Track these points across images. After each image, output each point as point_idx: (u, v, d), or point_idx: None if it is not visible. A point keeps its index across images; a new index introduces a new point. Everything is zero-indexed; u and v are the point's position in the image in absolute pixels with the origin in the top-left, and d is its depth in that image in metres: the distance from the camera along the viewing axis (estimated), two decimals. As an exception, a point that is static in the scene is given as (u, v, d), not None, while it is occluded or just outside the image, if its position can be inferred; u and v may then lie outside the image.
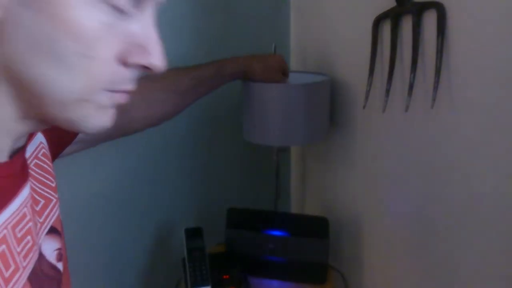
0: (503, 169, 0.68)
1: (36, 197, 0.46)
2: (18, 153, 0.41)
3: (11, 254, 0.38)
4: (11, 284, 0.37)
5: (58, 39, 0.32)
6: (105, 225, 1.09)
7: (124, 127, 0.71)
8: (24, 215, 0.41)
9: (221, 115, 1.22)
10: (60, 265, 0.48)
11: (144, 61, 0.37)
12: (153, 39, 0.37)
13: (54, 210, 0.50)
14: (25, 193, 0.41)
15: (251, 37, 1.20)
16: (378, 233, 1.02)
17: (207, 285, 0.93)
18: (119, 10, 0.34)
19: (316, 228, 1.02)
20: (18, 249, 0.39)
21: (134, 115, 0.73)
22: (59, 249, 0.49)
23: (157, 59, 0.37)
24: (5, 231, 0.37)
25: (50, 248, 0.46)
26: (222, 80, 0.92)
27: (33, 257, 0.42)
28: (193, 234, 1.02)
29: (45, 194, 0.48)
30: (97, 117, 0.38)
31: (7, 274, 0.37)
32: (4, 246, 0.37)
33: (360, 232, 1.08)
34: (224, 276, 0.98)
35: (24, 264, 0.40)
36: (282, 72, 0.98)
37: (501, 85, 0.67)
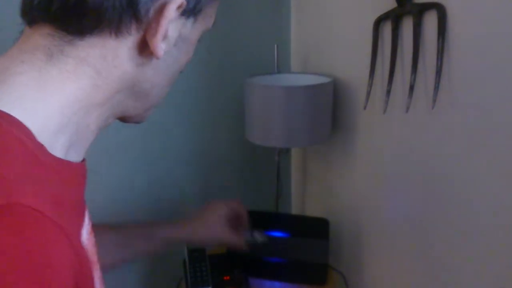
0: (504, 170, 0.68)
1: None
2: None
3: (93, 246, 0.43)
4: (95, 277, 0.41)
5: (181, 66, 0.47)
6: (105, 225, 1.10)
7: None
8: (89, 216, 0.46)
9: (223, 116, 1.22)
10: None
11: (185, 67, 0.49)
12: None
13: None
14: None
15: (251, 38, 1.20)
16: (378, 234, 1.02)
17: (207, 286, 0.94)
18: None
19: (316, 229, 1.02)
20: (93, 242, 0.44)
21: None
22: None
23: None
24: (88, 227, 0.42)
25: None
26: (162, 246, 0.82)
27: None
28: (194, 234, 1.02)
29: None
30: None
31: (96, 265, 0.42)
32: (91, 239, 0.42)
33: (360, 233, 1.08)
34: (225, 277, 0.98)
35: (95, 260, 0.44)
36: (238, 220, 0.89)
37: (501, 86, 0.67)
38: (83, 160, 0.44)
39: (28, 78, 0.36)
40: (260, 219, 1.08)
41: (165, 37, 0.39)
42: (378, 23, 0.88)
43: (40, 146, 0.34)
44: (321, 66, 1.13)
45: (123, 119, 0.47)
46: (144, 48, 0.40)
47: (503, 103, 0.67)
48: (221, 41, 1.15)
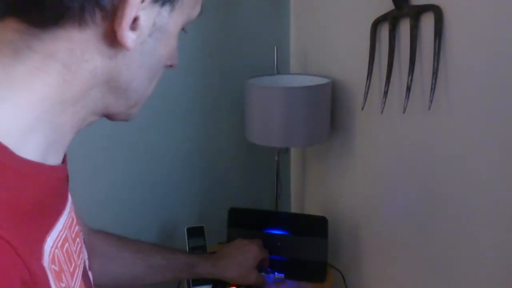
0: (500, 170, 0.70)
1: None
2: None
3: (71, 252, 0.41)
4: (74, 278, 0.40)
5: (161, 59, 0.43)
6: (109, 225, 1.10)
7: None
8: (73, 219, 0.44)
9: (223, 116, 1.23)
10: (90, 274, 0.51)
11: (173, 62, 0.47)
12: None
13: (78, 227, 0.52)
14: (69, 198, 0.44)
15: (251, 40, 1.21)
16: (376, 232, 1.03)
17: (208, 283, 0.95)
18: (183, 30, 0.45)
19: (315, 227, 1.03)
20: (74, 248, 0.42)
21: (108, 268, 0.75)
22: (88, 258, 0.51)
23: (177, 61, 0.48)
24: (66, 230, 0.40)
25: (85, 257, 0.49)
26: (187, 276, 0.89)
27: (82, 258, 0.45)
28: (195, 233, 1.03)
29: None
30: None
31: (71, 269, 0.40)
32: (67, 244, 0.40)
33: (359, 231, 1.09)
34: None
35: (78, 262, 0.43)
36: (261, 262, 0.95)
37: (497, 87, 0.68)
38: (64, 160, 0.42)
39: None
40: (260, 218, 1.10)
41: (135, 26, 0.37)
42: (376, 25, 0.89)
43: (3, 148, 0.32)
44: (320, 68, 1.15)
45: (108, 116, 0.45)
46: (113, 39, 0.37)
47: (499, 103, 0.68)
48: (222, 43, 1.17)
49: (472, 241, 0.76)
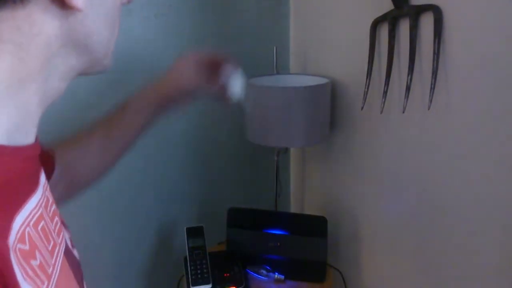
0: (499, 169, 0.70)
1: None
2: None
3: (49, 230, 0.40)
4: (54, 256, 0.40)
5: (115, 2, 0.43)
6: (109, 225, 1.11)
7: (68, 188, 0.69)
8: (48, 198, 0.43)
9: (223, 116, 1.23)
10: (75, 252, 0.50)
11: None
12: None
13: (55, 206, 0.51)
14: (43, 178, 0.43)
15: (251, 40, 1.21)
16: (376, 232, 1.03)
17: (208, 283, 0.95)
18: None
19: (315, 227, 1.03)
20: (52, 227, 0.42)
21: (77, 179, 0.71)
22: (70, 237, 0.51)
23: None
24: (41, 209, 0.39)
25: (66, 237, 0.48)
26: (132, 113, 0.74)
27: (63, 237, 0.44)
28: (195, 233, 1.03)
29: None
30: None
31: (49, 247, 0.39)
32: (43, 222, 0.39)
33: (358, 231, 1.09)
34: (225, 274, 0.99)
35: (59, 240, 0.42)
36: (210, 65, 0.76)
37: (496, 87, 0.68)
38: (37, 139, 0.41)
39: None
40: (260, 218, 1.10)
41: None
42: (375, 25, 0.89)
43: None
44: (319, 68, 1.15)
45: (81, 74, 0.44)
46: (61, 4, 0.36)
47: (498, 103, 0.68)
48: (221, 43, 1.17)
49: (472, 240, 0.77)
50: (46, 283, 0.36)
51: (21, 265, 0.33)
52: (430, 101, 0.76)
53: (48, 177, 0.57)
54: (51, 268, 0.38)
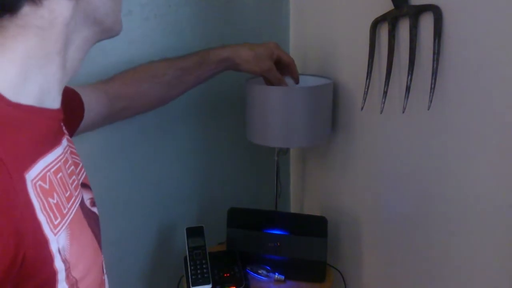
0: (499, 170, 0.70)
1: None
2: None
3: (66, 181, 0.47)
4: (70, 203, 0.46)
5: None
6: (109, 224, 1.10)
7: (113, 116, 0.84)
8: (67, 159, 0.50)
9: (223, 116, 1.23)
10: (95, 209, 0.58)
11: None
12: None
13: (82, 170, 0.59)
14: (64, 142, 0.50)
15: (251, 40, 1.21)
16: (376, 232, 1.03)
17: (207, 283, 0.95)
18: None
19: (315, 227, 1.03)
20: (69, 181, 0.48)
21: (122, 104, 0.84)
22: (91, 198, 0.58)
23: None
24: (60, 163, 0.46)
25: (84, 197, 0.54)
26: (208, 68, 0.91)
27: (79, 193, 0.51)
28: (195, 233, 1.04)
29: (74, 156, 0.56)
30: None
31: (66, 194, 0.46)
32: (61, 173, 0.46)
33: (358, 231, 1.09)
34: (225, 275, 0.99)
35: (75, 193, 0.49)
36: (277, 61, 0.95)
37: (497, 87, 0.68)
38: (62, 106, 0.49)
39: None
40: (260, 218, 1.10)
41: None
42: (375, 25, 0.89)
43: None
44: (320, 68, 1.15)
45: (97, 41, 0.52)
46: None
47: (498, 103, 0.68)
48: (221, 43, 1.17)
49: (473, 241, 0.77)
50: (59, 220, 0.42)
51: (40, 198, 0.40)
52: (430, 101, 0.76)
53: (79, 116, 0.74)
54: (66, 210, 0.44)
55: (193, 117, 1.18)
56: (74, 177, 0.51)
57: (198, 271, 0.96)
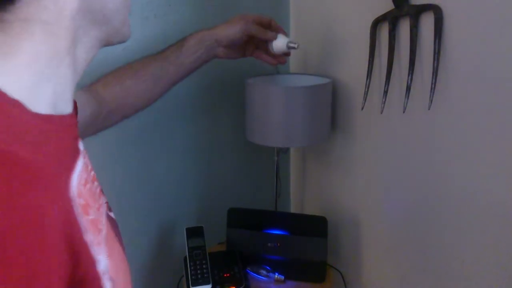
0: (500, 170, 0.70)
1: None
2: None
3: (93, 192, 0.45)
4: (102, 218, 0.44)
5: None
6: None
7: (101, 122, 0.80)
8: (87, 164, 0.46)
9: (223, 116, 1.23)
10: (112, 214, 0.55)
11: None
12: None
13: (93, 172, 0.56)
14: (81, 145, 0.47)
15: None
16: (376, 232, 1.03)
17: (207, 283, 0.95)
18: None
19: (315, 227, 1.03)
20: (94, 189, 0.46)
21: (109, 107, 0.80)
22: (107, 202, 0.55)
23: None
24: (85, 173, 0.43)
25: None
26: (188, 53, 0.88)
27: (103, 199, 0.49)
28: (194, 233, 1.04)
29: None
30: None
31: (96, 206, 0.43)
32: (89, 184, 0.43)
33: (358, 232, 1.09)
34: (225, 275, 0.99)
35: (100, 202, 0.47)
36: (258, 23, 0.92)
37: (497, 86, 0.68)
38: (75, 109, 0.46)
39: None
40: (260, 218, 1.10)
41: None
42: (375, 25, 0.89)
43: (16, 102, 0.35)
44: (320, 67, 1.15)
45: (105, 45, 0.50)
46: None
47: (499, 103, 0.68)
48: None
49: (473, 241, 0.76)
50: (99, 237, 0.40)
51: (82, 217, 0.37)
52: (431, 101, 0.76)
53: None
54: (101, 225, 0.42)
55: (193, 117, 1.18)
56: (96, 182, 0.48)
57: (198, 271, 0.96)
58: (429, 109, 0.76)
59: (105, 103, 0.78)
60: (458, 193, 0.78)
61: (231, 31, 0.89)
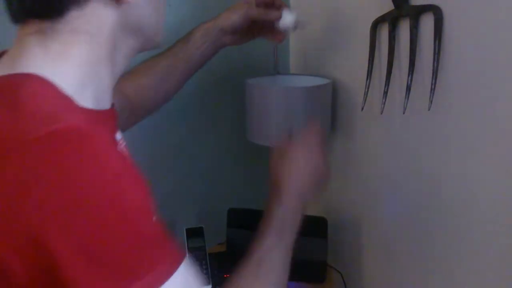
0: (500, 171, 0.69)
1: None
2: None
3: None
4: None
5: None
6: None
7: (130, 115, 0.86)
8: (122, 152, 0.56)
9: (223, 115, 1.23)
10: None
11: None
12: None
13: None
14: (118, 136, 0.57)
15: (251, 41, 1.21)
16: (376, 233, 1.03)
17: (207, 284, 0.95)
18: None
19: (315, 228, 1.03)
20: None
21: (134, 102, 0.85)
22: None
23: None
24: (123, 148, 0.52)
25: None
26: (195, 46, 0.89)
27: None
28: (194, 233, 1.04)
29: None
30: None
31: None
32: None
33: (358, 232, 1.09)
34: (225, 275, 0.99)
35: None
36: (261, 3, 0.90)
37: (498, 87, 0.68)
38: (113, 105, 0.54)
39: (40, 59, 0.44)
40: (260, 218, 1.09)
41: None
42: (375, 25, 0.89)
43: (68, 96, 0.43)
44: (320, 68, 1.15)
45: (140, 51, 0.56)
46: None
47: (500, 104, 0.68)
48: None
49: (473, 241, 0.76)
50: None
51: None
52: (431, 101, 0.76)
53: None
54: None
55: (193, 117, 1.18)
56: None
57: (198, 272, 0.96)
58: (429, 109, 0.76)
59: (129, 99, 0.84)
60: (458, 193, 0.78)
61: (234, 18, 0.89)
